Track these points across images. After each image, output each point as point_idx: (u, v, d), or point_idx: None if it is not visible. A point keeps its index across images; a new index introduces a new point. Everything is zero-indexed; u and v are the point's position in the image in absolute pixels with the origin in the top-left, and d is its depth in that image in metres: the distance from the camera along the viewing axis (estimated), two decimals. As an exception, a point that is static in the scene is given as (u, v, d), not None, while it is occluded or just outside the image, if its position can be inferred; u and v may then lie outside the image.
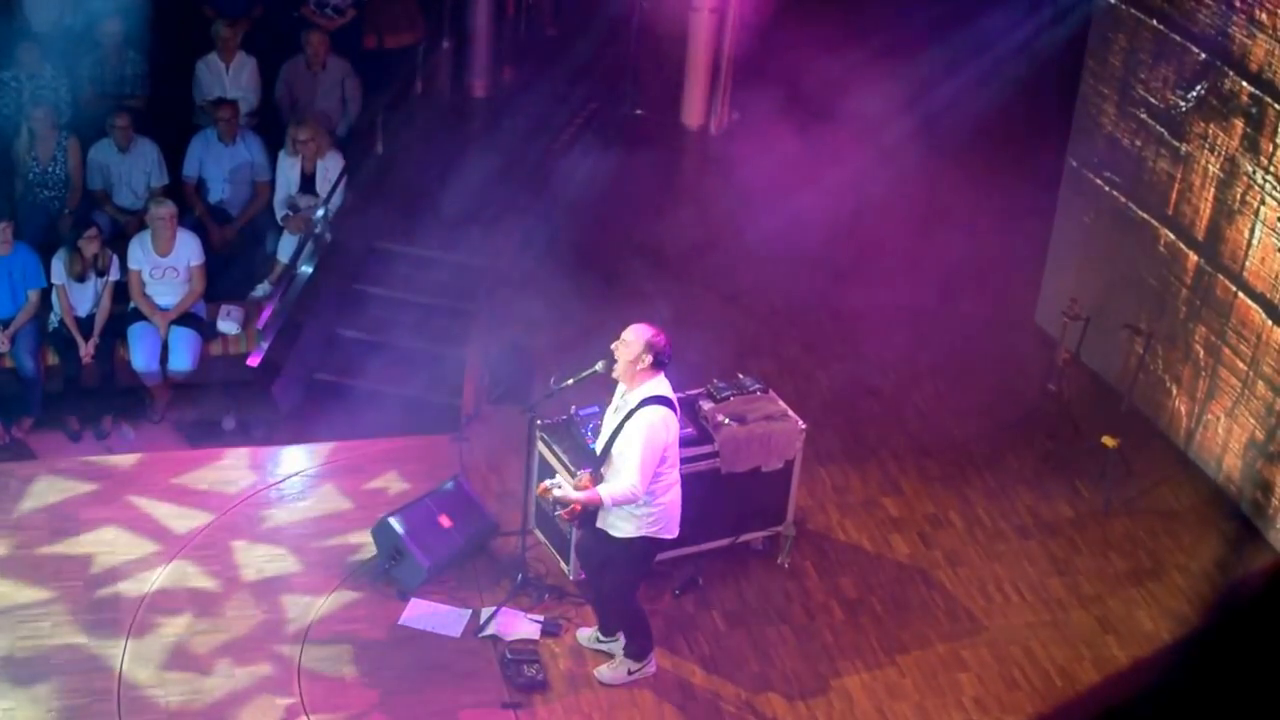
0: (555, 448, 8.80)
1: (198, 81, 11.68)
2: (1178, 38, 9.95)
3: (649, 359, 7.62)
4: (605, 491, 7.64)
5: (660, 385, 7.69)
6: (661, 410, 7.62)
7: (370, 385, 10.42)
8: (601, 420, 8.07)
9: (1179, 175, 10.07)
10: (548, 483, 7.91)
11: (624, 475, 7.60)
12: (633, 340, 7.65)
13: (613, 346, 7.70)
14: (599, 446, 7.87)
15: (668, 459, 7.70)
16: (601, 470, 7.79)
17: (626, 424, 7.62)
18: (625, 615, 8.26)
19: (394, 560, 8.79)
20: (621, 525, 7.79)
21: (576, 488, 7.81)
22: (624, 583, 8.08)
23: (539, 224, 11.46)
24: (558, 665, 8.42)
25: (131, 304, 10.33)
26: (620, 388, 7.82)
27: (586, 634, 8.56)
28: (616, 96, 13.32)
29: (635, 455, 7.55)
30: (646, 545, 7.87)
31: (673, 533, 7.87)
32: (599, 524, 7.88)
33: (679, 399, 8.02)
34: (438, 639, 8.51)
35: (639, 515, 7.73)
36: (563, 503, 7.87)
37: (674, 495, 7.81)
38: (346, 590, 8.79)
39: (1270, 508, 9.45)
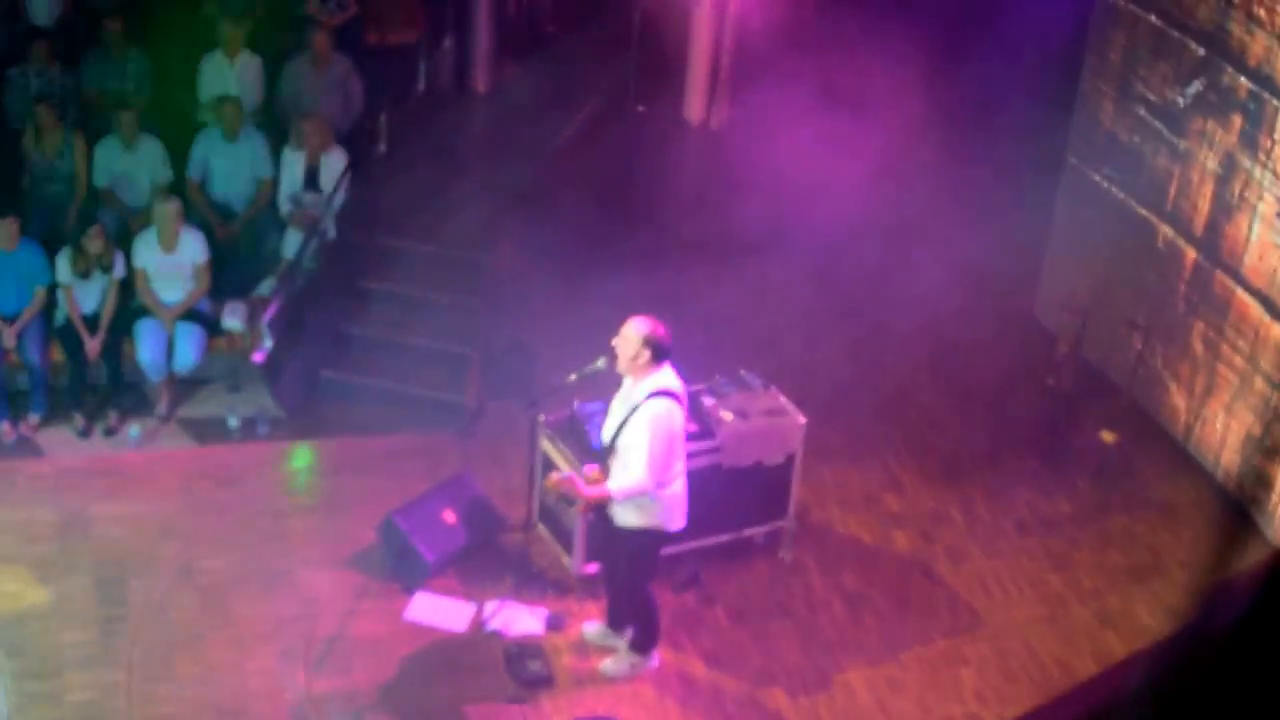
0: (559, 443, 8.86)
1: (203, 79, 11.73)
2: (1176, 34, 10.00)
3: (647, 353, 7.68)
4: (614, 486, 7.72)
5: (665, 378, 7.74)
6: (667, 403, 7.69)
7: (374, 382, 10.48)
8: (607, 412, 8.14)
9: (1178, 171, 10.13)
10: (556, 477, 7.98)
11: (633, 469, 7.66)
12: (631, 336, 7.70)
13: (614, 342, 7.77)
14: (606, 436, 7.95)
15: (674, 451, 7.78)
16: (609, 461, 7.86)
17: (633, 417, 7.68)
18: (637, 607, 8.32)
19: (399, 556, 8.85)
20: (627, 515, 7.87)
21: (587, 481, 7.89)
22: (635, 574, 8.15)
23: (541, 219, 11.51)
24: (561, 659, 8.49)
25: (137, 300, 10.38)
26: (626, 381, 7.89)
27: (593, 629, 8.63)
28: (618, 92, 13.36)
29: (643, 449, 7.61)
30: (653, 536, 7.94)
31: (679, 524, 7.94)
32: (607, 509, 7.96)
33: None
34: (442, 634, 8.59)
35: (645, 506, 7.80)
36: (570, 499, 7.98)
37: (679, 487, 7.88)
38: (352, 586, 8.86)
39: (1269, 503, 9.51)
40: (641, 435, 7.63)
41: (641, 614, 8.33)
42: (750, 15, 12.92)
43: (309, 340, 10.72)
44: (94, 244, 10.10)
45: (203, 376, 10.54)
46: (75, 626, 8.43)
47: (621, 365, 7.76)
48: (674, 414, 7.73)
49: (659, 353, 7.70)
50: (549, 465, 8.83)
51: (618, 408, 7.87)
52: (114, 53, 11.57)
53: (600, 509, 8.00)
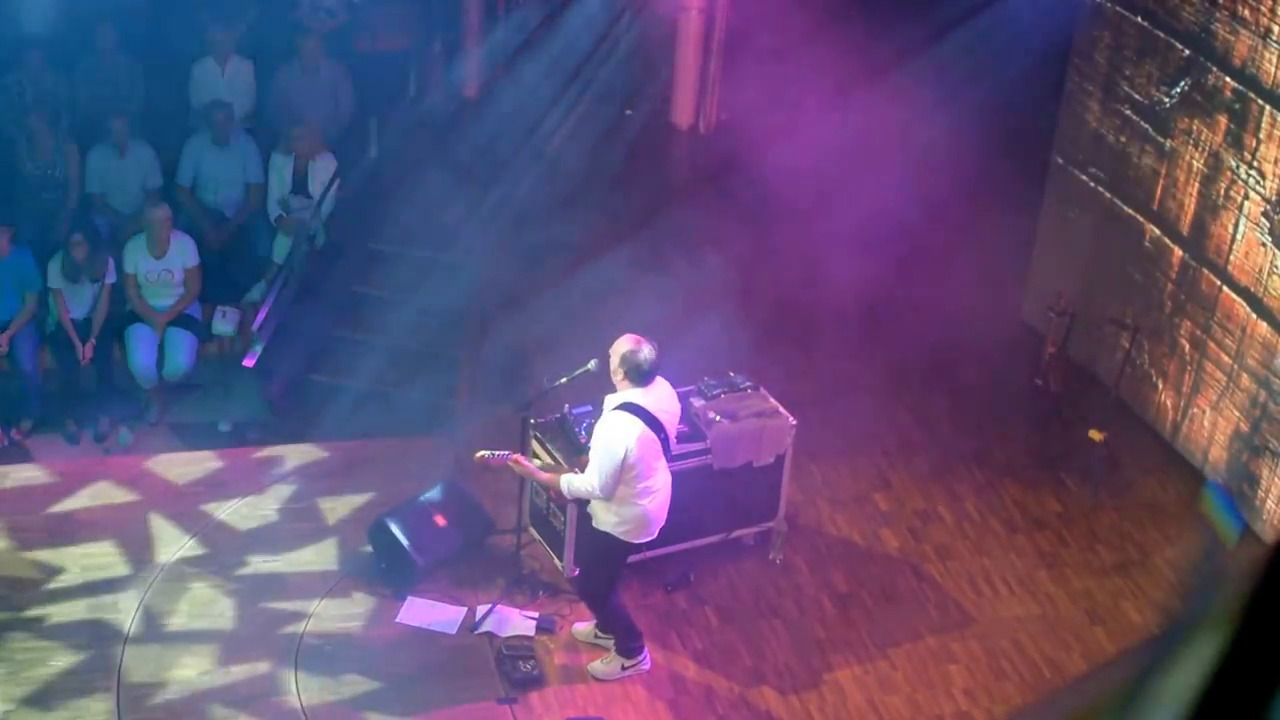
0: (549, 446, 8.89)
1: (193, 85, 11.76)
2: (1162, 34, 10.04)
3: (622, 372, 7.72)
4: (565, 480, 7.81)
5: (637, 393, 7.73)
6: (625, 418, 7.68)
7: (365, 385, 10.50)
8: (596, 414, 8.21)
9: (1164, 171, 10.17)
10: (484, 453, 8.07)
11: (588, 473, 7.76)
12: (611, 353, 7.78)
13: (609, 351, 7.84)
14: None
15: (638, 469, 7.71)
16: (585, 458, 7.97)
17: (598, 423, 7.79)
18: (604, 611, 8.35)
19: (390, 559, 8.87)
20: (599, 515, 7.94)
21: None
22: (597, 576, 8.24)
23: (531, 224, 11.54)
24: (552, 661, 8.51)
25: (128, 306, 10.40)
26: None
27: (583, 628, 8.65)
28: (606, 97, 13.38)
29: (595, 458, 7.71)
30: (614, 544, 7.97)
31: (642, 538, 7.97)
32: (587, 508, 8.03)
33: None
34: (434, 636, 8.61)
35: (612, 513, 7.85)
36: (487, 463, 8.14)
37: (652, 502, 7.85)
38: (343, 589, 8.88)
39: (1255, 499, 9.55)
40: (595, 446, 7.73)
41: (611, 618, 8.34)
42: (739, 19, 12.95)
43: (300, 344, 10.74)
44: (78, 251, 10.11)
45: (194, 381, 10.56)
46: (65, 632, 8.43)
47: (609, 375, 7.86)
48: (632, 431, 7.66)
49: (635, 375, 7.70)
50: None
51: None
52: (105, 59, 11.59)
53: (583, 511, 8.09)
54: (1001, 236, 11.80)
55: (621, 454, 7.63)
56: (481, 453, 8.09)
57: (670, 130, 13.31)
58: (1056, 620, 9.04)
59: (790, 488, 9.34)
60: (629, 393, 7.73)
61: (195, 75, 11.75)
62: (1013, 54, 12.94)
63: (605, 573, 8.20)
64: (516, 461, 8.05)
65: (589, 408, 8.70)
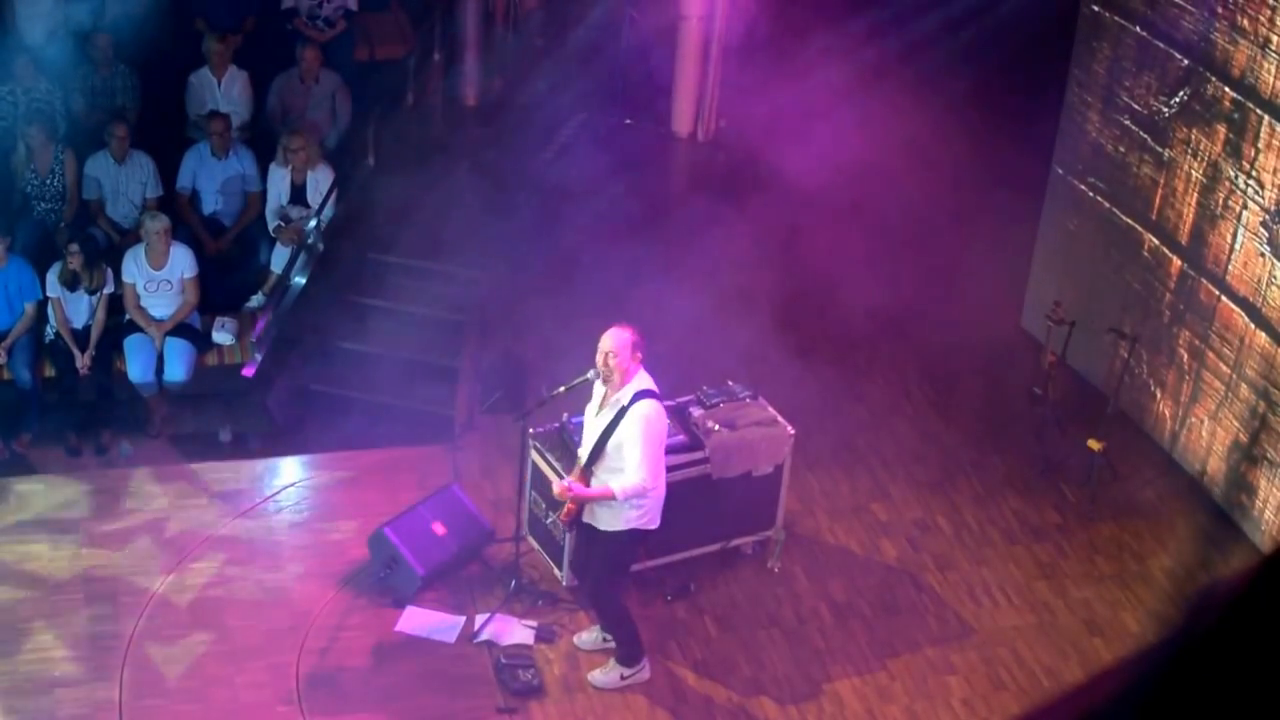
0: (548, 455, 8.89)
1: (190, 95, 11.75)
2: (1161, 44, 10.05)
3: (639, 355, 7.84)
4: (617, 485, 7.78)
5: (645, 379, 7.89)
6: (655, 404, 7.85)
7: (364, 396, 10.49)
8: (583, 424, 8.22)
9: (1162, 180, 10.18)
10: (561, 485, 8.06)
11: (630, 471, 7.74)
12: (617, 346, 7.78)
13: (599, 363, 7.81)
14: (585, 449, 8.00)
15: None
16: (594, 468, 7.91)
17: (623, 420, 7.75)
18: (613, 616, 8.35)
19: (389, 568, 8.87)
20: (609, 519, 7.92)
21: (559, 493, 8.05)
22: (611, 578, 8.24)
23: (530, 233, 11.54)
24: (552, 670, 8.51)
25: (127, 316, 10.40)
26: (598, 390, 7.96)
27: (587, 637, 8.64)
28: (606, 105, 13.40)
29: (639, 450, 7.72)
30: (632, 536, 8.01)
31: (656, 523, 8.02)
32: (585, 518, 8.01)
33: (669, 407, 8.20)
34: (433, 645, 8.61)
35: (628, 508, 7.85)
36: (561, 502, 8.04)
37: (662, 483, 7.99)
38: (343, 599, 8.88)
39: (1253, 509, 9.56)
40: (636, 438, 7.73)
41: (616, 621, 8.35)
42: (737, 28, 12.96)
43: (299, 354, 10.74)
44: (74, 260, 10.11)
45: (193, 391, 10.55)
46: (66, 642, 8.43)
47: (614, 375, 7.81)
48: (661, 414, 7.90)
49: (646, 353, 7.86)
50: (538, 477, 8.87)
51: (593, 419, 7.94)
52: (102, 69, 11.59)
53: (581, 525, 8.08)
54: (1001, 246, 11.81)
55: (663, 437, 7.84)
56: (559, 485, 8.06)
57: (669, 138, 13.33)
58: (1055, 630, 9.04)
59: (789, 497, 9.34)
60: (636, 381, 7.83)
61: (192, 85, 11.75)
62: (1012, 61, 12.97)
63: (621, 572, 8.23)
64: (569, 490, 8.02)
65: (587, 416, 8.71)
